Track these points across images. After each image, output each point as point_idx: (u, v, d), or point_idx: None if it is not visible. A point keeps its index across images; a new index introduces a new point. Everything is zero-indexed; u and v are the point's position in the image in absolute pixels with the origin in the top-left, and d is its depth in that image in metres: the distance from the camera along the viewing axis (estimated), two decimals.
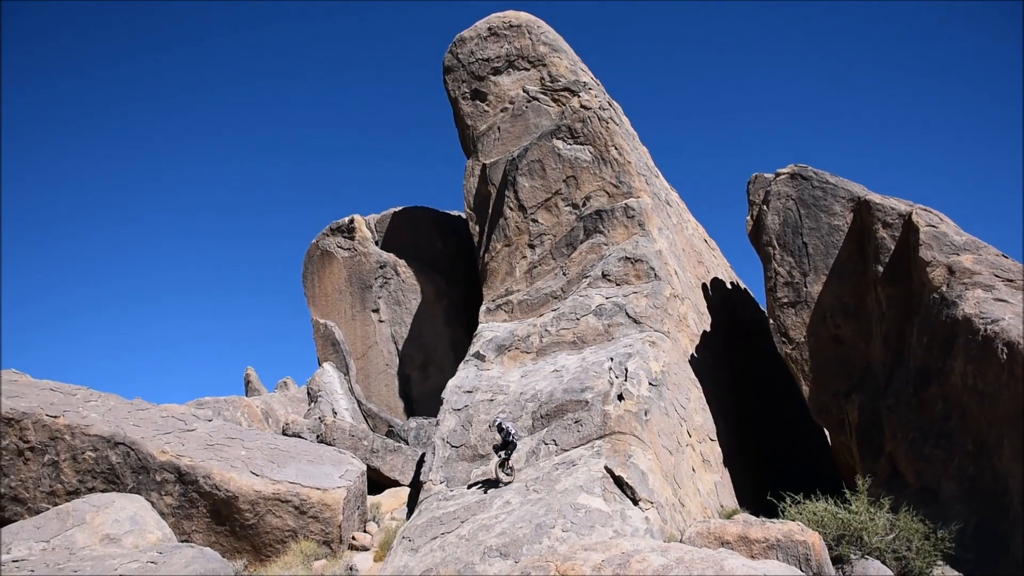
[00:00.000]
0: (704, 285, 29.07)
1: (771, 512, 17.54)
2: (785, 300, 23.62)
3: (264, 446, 21.06)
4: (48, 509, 17.19)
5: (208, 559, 12.13)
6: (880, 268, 21.53)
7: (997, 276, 19.21)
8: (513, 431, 18.12)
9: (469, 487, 18.61)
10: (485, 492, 17.92)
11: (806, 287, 23.28)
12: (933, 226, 20.71)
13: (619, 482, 16.55)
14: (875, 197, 22.33)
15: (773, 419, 28.78)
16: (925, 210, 21.44)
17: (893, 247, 21.40)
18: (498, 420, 18.47)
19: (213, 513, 18.82)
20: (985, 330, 17.59)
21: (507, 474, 18.19)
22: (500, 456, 18.27)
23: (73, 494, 19.13)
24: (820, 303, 23.03)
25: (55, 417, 19.90)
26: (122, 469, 19.45)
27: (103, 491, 18.78)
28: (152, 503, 17.96)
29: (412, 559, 16.56)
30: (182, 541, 17.64)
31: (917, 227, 20.66)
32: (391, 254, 35.39)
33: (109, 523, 15.42)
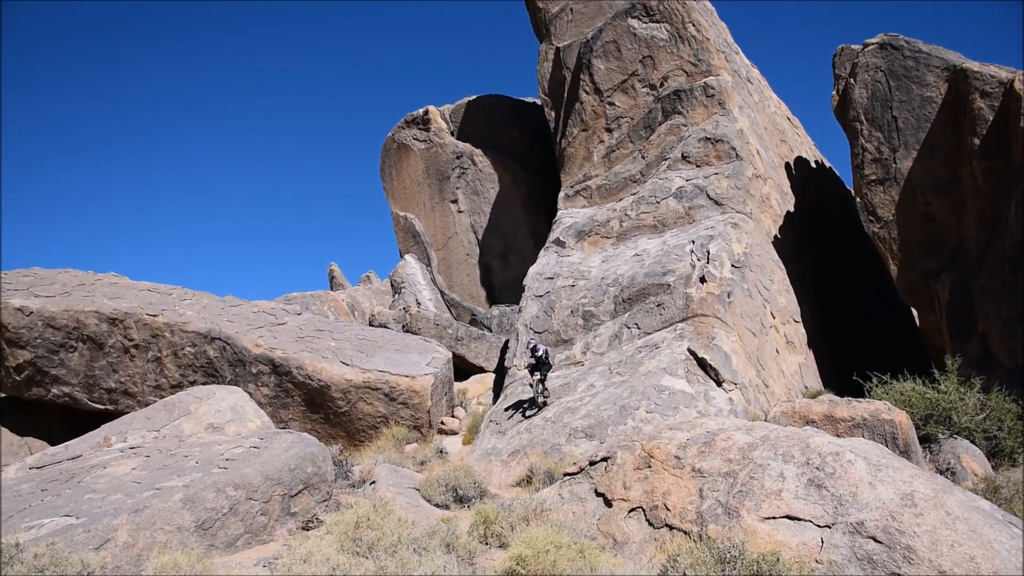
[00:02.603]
0: (787, 164, 28.22)
1: (856, 394, 17.39)
2: (873, 177, 22.80)
3: (352, 337, 21.64)
4: (155, 401, 18.11)
5: (306, 443, 12.65)
6: (976, 141, 20.48)
7: None
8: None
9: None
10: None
11: (895, 163, 22.41)
12: None
13: (702, 364, 16.59)
14: (973, 65, 21.06)
15: (859, 300, 28.25)
16: None
17: (991, 118, 20.26)
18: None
19: (307, 402, 19.59)
20: None
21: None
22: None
23: (177, 387, 20.14)
24: (910, 180, 22.17)
25: (155, 316, 20.77)
26: (220, 363, 20.31)
27: (204, 384, 19.69)
28: (250, 394, 18.72)
29: (500, 441, 17.06)
30: (280, 428, 18.46)
31: (1020, 95, 19.45)
32: (467, 144, 35.23)
33: (212, 413, 16.15)
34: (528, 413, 17.66)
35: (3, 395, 22.35)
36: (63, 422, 21.35)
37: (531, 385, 18.09)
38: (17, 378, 20.75)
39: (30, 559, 7.69)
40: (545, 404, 17.63)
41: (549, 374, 18.21)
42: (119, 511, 9.62)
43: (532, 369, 17.97)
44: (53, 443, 18.52)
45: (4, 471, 13.72)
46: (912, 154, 22.15)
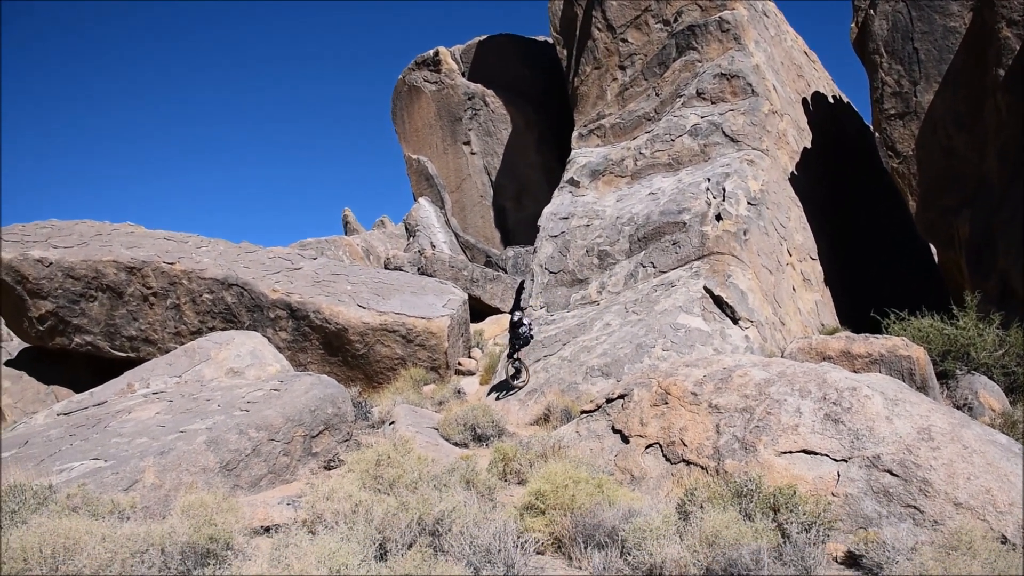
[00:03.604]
0: (804, 100, 27.80)
1: (874, 332, 17.32)
2: (893, 111, 22.41)
3: (368, 280, 21.73)
4: (176, 348, 18.31)
5: (326, 385, 12.75)
6: (1002, 72, 19.95)
7: None
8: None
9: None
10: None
11: (916, 97, 21.98)
12: None
13: (718, 302, 16.59)
14: None
15: (877, 237, 28.04)
16: None
17: (1018, 48, 19.66)
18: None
19: (325, 345, 19.76)
20: None
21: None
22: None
23: (196, 333, 20.34)
24: (931, 114, 21.74)
25: (172, 264, 20.90)
26: (238, 308, 20.48)
27: (222, 329, 19.86)
28: (268, 338, 18.86)
29: (516, 381, 17.20)
30: (299, 372, 18.60)
31: None
32: (479, 85, 34.87)
33: (232, 358, 16.31)
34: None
35: (28, 345, 22.71)
36: (87, 370, 21.66)
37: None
38: (40, 328, 21.02)
39: (63, 499, 7.88)
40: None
41: (565, 313, 18.15)
42: (145, 454, 9.80)
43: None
44: (78, 390, 18.82)
45: (33, 418, 13.99)
46: (933, 87, 21.70)
